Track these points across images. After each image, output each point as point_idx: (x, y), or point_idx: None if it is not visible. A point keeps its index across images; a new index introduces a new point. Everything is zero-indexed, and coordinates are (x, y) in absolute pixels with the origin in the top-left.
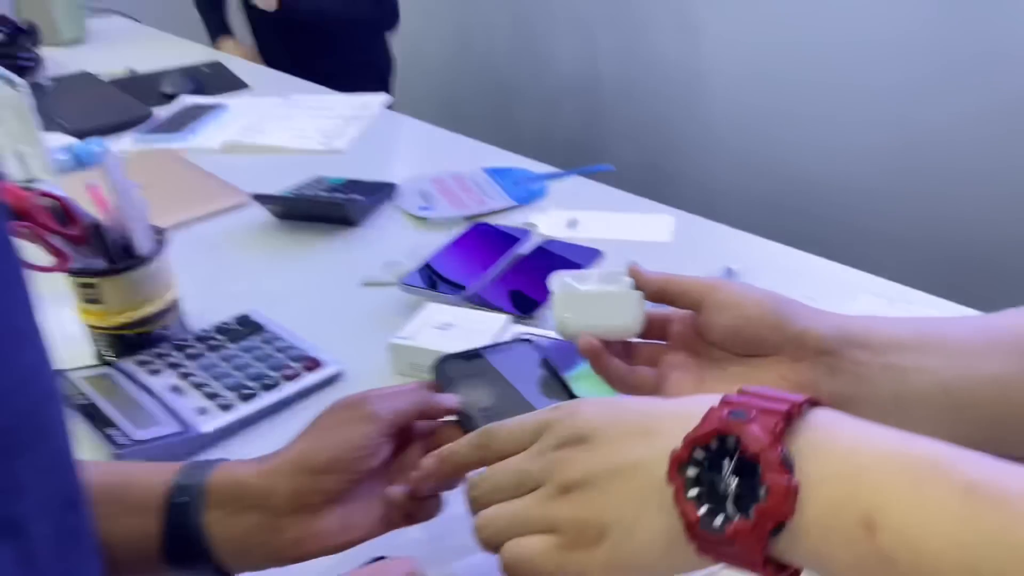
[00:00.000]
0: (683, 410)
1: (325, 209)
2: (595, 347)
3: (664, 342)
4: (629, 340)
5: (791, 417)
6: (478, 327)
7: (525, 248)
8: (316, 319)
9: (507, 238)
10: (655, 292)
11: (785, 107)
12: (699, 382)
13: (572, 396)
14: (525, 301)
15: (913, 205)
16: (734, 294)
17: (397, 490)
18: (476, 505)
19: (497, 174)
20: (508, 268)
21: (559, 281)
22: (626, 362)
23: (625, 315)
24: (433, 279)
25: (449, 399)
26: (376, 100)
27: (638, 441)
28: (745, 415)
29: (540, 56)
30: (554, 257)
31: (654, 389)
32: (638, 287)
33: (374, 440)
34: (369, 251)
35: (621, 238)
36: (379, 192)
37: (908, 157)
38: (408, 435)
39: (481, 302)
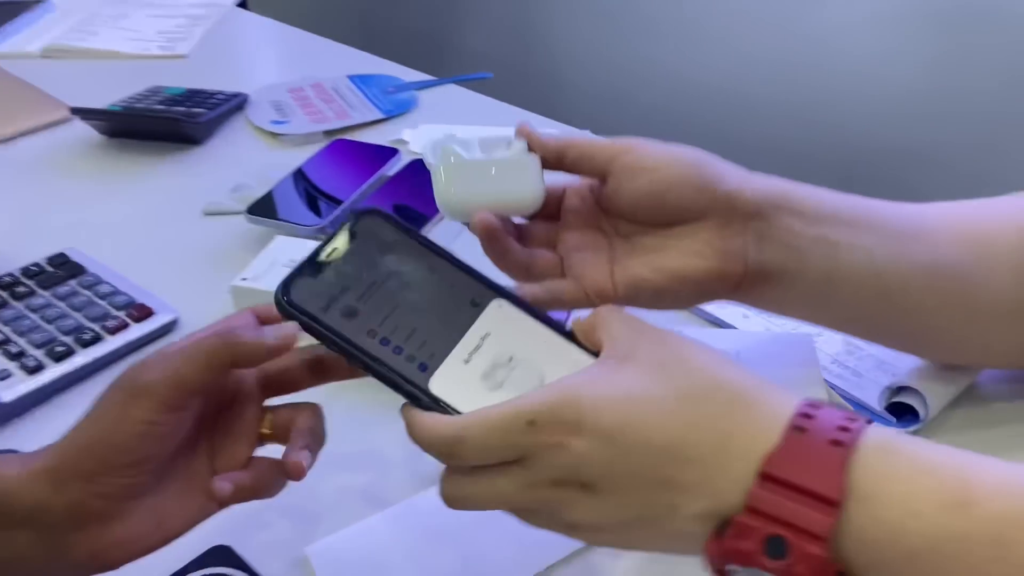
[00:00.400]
0: (703, 455)
1: (161, 125)
2: (493, 226)
3: (554, 223)
4: (525, 217)
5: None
6: None
7: (393, 169)
8: (149, 257)
9: (372, 157)
10: (553, 157)
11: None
12: (609, 262)
13: (478, 278)
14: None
15: (798, 114)
16: (650, 155)
17: (225, 486)
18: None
19: (362, 82)
20: (373, 193)
21: (440, 150)
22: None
23: (524, 184)
24: (284, 207)
25: (280, 330)
26: None
27: (657, 495)
28: (785, 552)
29: None
30: (424, 179)
31: (557, 275)
32: (531, 151)
33: (156, 421)
34: (213, 174)
35: None
36: (226, 104)
37: (793, 64)
38: (235, 386)
39: None
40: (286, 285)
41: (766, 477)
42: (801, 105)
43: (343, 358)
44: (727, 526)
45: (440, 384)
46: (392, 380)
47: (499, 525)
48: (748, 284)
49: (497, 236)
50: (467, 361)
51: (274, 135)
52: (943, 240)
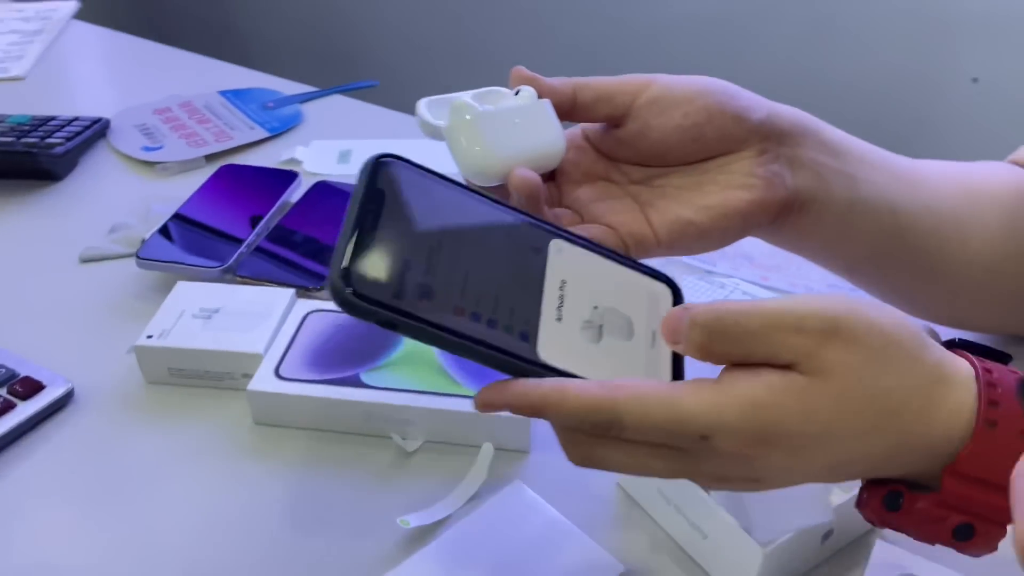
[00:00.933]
0: (873, 459)
1: (11, 160)
2: (535, 183)
3: (551, 181)
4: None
5: None
6: (255, 308)
7: (295, 195)
8: (22, 319)
9: (269, 183)
10: (566, 101)
11: None
12: (639, 208)
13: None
14: (308, 266)
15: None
16: (677, 87)
17: None
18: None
19: (237, 97)
20: (278, 223)
21: (450, 107)
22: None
23: (547, 134)
24: (180, 247)
25: None
26: (62, 8)
27: (834, 476)
28: (972, 535)
29: None
30: (334, 203)
31: (595, 232)
32: (541, 98)
33: None
34: (83, 213)
35: None
36: (85, 132)
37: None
38: None
39: (252, 272)
40: (346, 278)
41: (962, 475)
42: None
43: (434, 347)
44: (909, 499)
45: (549, 351)
46: (497, 360)
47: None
48: (785, 213)
49: (539, 194)
50: (560, 319)
51: (147, 163)
52: (942, 188)
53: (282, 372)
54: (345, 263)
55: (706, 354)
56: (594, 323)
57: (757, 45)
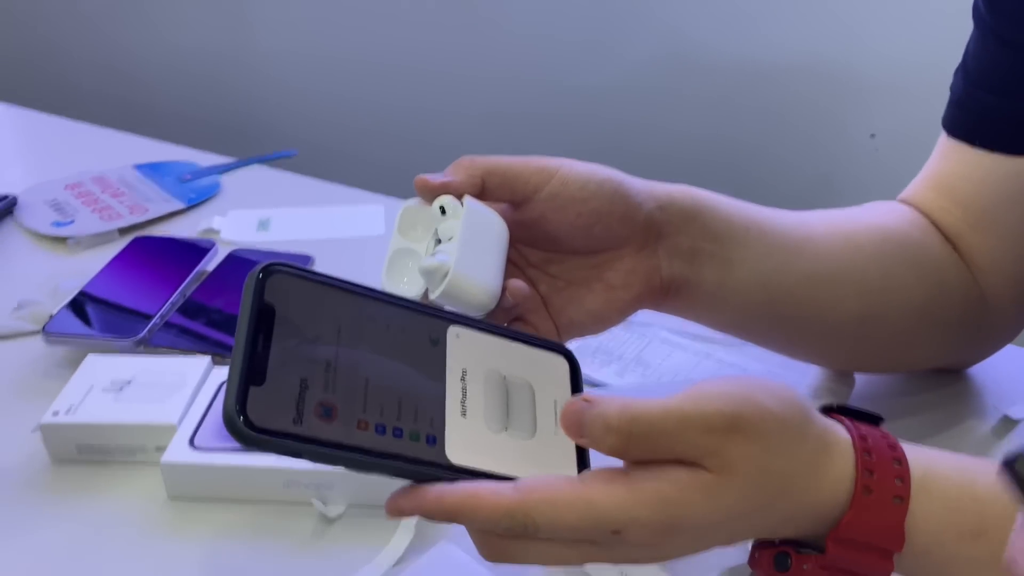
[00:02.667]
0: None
1: None
2: (529, 291)
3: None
4: None
5: None
6: (169, 379)
7: (211, 263)
8: None
9: (184, 252)
10: (475, 190)
11: None
12: (545, 303)
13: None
14: (226, 333)
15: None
16: (575, 183)
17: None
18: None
19: (152, 170)
20: (194, 291)
21: (424, 272)
22: None
23: (494, 228)
24: (90, 320)
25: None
26: None
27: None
28: None
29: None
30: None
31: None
32: (459, 199)
33: None
34: None
35: (328, 237)
36: None
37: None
38: None
39: (168, 343)
40: (240, 408)
41: (843, 539)
42: None
43: (341, 468)
44: (796, 560)
45: (457, 452)
46: (408, 472)
47: None
48: (660, 297)
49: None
50: (464, 414)
51: (57, 239)
52: (824, 248)
53: (197, 443)
54: (237, 394)
55: (620, 456)
56: (496, 413)
57: (664, 111)
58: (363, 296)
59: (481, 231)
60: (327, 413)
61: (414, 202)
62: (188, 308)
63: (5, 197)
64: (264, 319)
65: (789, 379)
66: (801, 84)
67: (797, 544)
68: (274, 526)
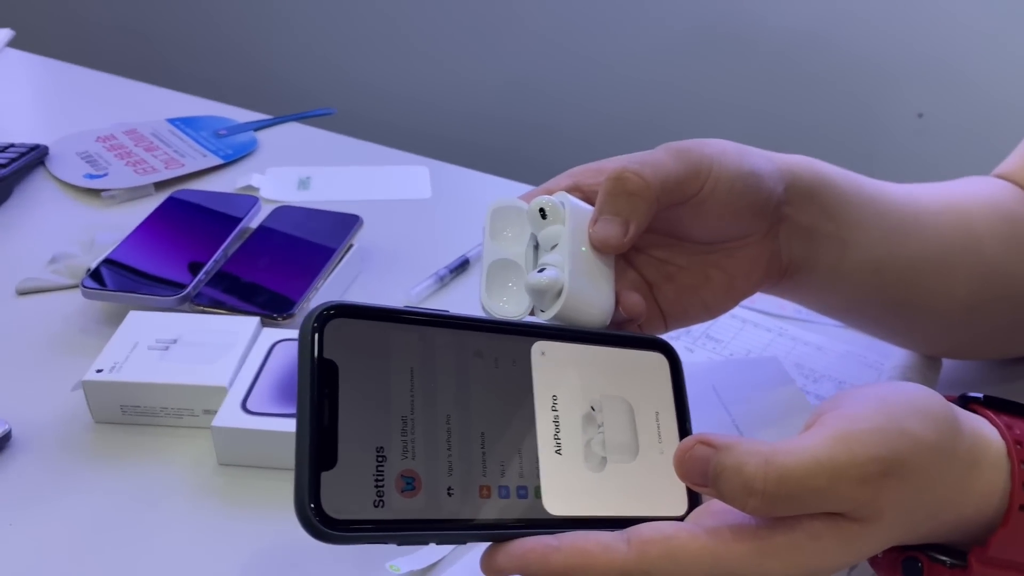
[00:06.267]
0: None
1: None
2: (644, 305)
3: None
4: None
5: None
6: (217, 339)
7: (255, 220)
8: None
9: (225, 209)
10: (660, 200)
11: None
12: (652, 291)
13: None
14: (274, 294)
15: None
16: (726, 182)
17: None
18: None
19: (187, 125)
20: (237, 250)
21: (532, 290)
22: None
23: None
24: (131, 276)
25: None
26: None
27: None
28: None
29: None
30: (298, 229)
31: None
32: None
33: None
34: (20, 243)
35: (372, 198)
36: (19, 158)
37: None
38: None
39: (214, 301)
40: (313, 500)
41: (991, 559)
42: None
43: (430, 543)
44: (929, 570)
45: (556, 502)
46: (506, 535)
47: None
48: (775, 281)
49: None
50: (559, 451)
51: (91, 191)
52: (935, 230)
53: (250, 406)
54: (308, 486)
55: (760, 515)
56: (594, 445)
57: (702, 82)
58: (430, 325)
59: (587, 236)
60: (409, 485)
61: (503, 201)
62: (232, 266)
63: (36, 147)
64: (327, 381)
65: (872, 360)
66: (847, 58)
67: (929, 549)
68: None
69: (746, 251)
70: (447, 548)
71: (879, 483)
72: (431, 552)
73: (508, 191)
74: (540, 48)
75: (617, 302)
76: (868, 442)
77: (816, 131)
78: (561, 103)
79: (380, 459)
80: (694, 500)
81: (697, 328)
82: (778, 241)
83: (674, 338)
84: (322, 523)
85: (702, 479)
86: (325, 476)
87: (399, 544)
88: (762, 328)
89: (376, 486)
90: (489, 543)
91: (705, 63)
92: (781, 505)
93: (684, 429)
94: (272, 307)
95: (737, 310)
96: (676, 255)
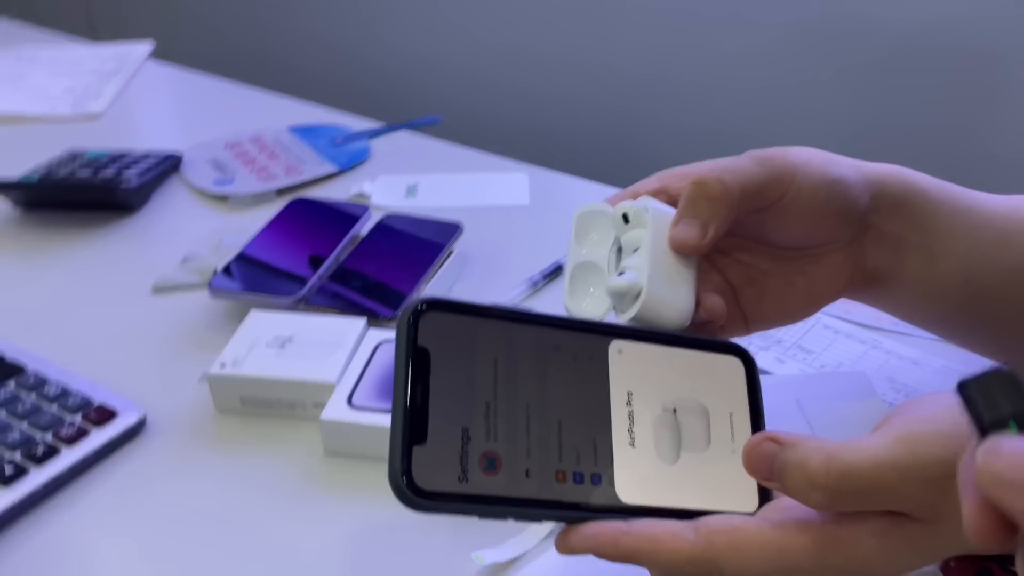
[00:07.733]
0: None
1: (88, 193)
2: (724, 307)
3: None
4: None
5: None
6: (327, 338)
7: (365, 228)
8: (96, 346)
9: (339, 216)
10: (740, 204)
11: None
12: (735, 294)
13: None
14: (385, 294)
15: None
16: (810, 190)
17: None
18: None
19: (307, 133)
20: (347, 257)
21: (613, 293)
22: None
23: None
24: (253, 277)
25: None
26: (137, 50)
27: None
28: None
29: None
30: (403, 236)
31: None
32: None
33: None
34: (156, 245)
35: (472, 204)
36: (158, 166)
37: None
38: None
39: (326, 302)
40: (405, 471)
41: None
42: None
43: (508, 519)
44: None
45: (629, 490)
46: (579, 517)
47: None
48: (859, 288)
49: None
50: (632, 443)
51: (218, 197)
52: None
53: (355, 402)
54: (401, 458)
55: (823, 510)
56: (668, 437)
57: (811, 83)
58: (513, 320)
59: (663, 241)
60: (491, 465)
61: (590, 206)
62: (342, 272)
63: (172, 155)
64: (420, 366)
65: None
66: (970, 53)
67: (1005, 560)
68: None
69: (830, 258)
70: (529, 543)
71: (943, 486)
72: (514, 545)
73: (604, 196)
74: (654, 49)
75: (698, 304)
76: (931, 444)
77: (935, 132)
78: (674, 102)
79: (466, 439)
80: (764, 498)
81: (789, 338)
82: (863, 249)
83: (765, 348)
84: (412, 492)
85: (768, 473)
86: (416, 450)
87: (480, 517)
88: (855, 339)
89: (461, 463)
90: (564, 525)
91: (811, 61)
92: (843, 500)
93: (758, 429)
94: (378, 308)
95: (831, 321)
96: (760, 259)
